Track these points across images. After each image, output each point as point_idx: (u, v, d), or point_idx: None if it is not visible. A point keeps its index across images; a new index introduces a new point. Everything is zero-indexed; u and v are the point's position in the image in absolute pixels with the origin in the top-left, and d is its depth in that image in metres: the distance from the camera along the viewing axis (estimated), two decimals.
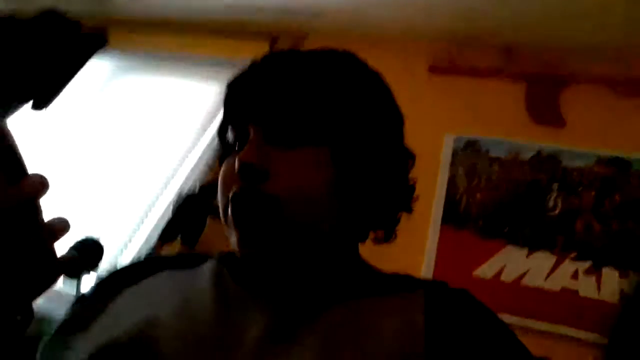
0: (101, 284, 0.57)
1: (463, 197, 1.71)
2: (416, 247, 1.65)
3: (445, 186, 1.74)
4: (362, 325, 0.47)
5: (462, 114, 1.85)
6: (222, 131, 0.56)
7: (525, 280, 1.57)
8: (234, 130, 0.53)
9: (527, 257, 1.59)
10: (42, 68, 1.84)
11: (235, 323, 0.47)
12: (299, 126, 0.49)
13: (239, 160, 0.47)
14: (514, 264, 1.59)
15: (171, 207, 1.85)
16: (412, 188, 0.58)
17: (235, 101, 0.53)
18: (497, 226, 1.65)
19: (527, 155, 1.72)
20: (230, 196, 0.49)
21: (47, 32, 1.68)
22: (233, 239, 0.50)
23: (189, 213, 1.77)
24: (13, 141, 0.35)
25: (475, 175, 1.74)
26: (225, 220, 0.51)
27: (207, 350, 0.45)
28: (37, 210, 0.36)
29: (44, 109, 2.03)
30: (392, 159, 0.55)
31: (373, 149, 0.52)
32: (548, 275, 1.56)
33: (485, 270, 1.60)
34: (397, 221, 0.57)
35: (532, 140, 1.74)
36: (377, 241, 0.57)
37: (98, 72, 2.22)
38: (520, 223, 1.64)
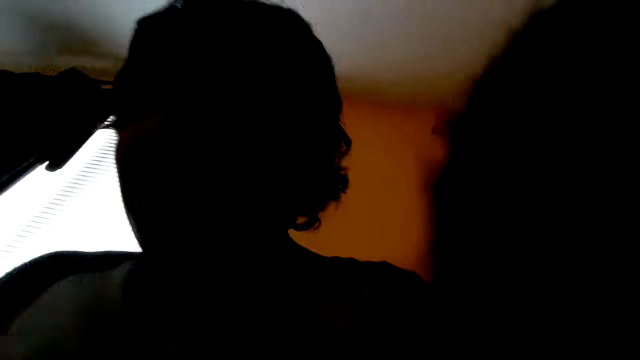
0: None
1: None
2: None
3: None
4: (299, 325, 0.41)
5: None
6: (125, 78, 0.44)
7: None
8: (143, 85, 0.41)
9: None
10: (60, 127, 1.92)
11: (147, 347, 0.40)
12: (223, 106, 0.40)
13: (154, 131, 0.37)
14: None
15: None
16: (343, 176, 0.52)
17: (147, 53, 0.42)
18: None
19: None
20: (139, 172, 0.39)
21: (67, 91, 1.77)
22: (135, 229, 0.41)
23: None
24: None
25: None
26: (127, 203, 0.41)
27: None
28: None
29: (58, 169, 2.08)
30: (321, 146, 0.48)
31: (302, 136, 0.44)
32: None
33: None
34: (322, 207, 0.50)
35: None
36: (299, 228, 0.50)
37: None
38: None
